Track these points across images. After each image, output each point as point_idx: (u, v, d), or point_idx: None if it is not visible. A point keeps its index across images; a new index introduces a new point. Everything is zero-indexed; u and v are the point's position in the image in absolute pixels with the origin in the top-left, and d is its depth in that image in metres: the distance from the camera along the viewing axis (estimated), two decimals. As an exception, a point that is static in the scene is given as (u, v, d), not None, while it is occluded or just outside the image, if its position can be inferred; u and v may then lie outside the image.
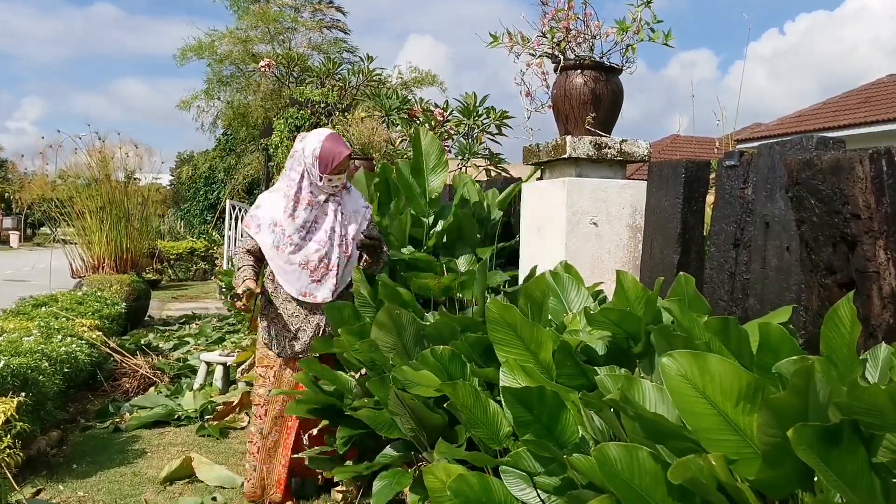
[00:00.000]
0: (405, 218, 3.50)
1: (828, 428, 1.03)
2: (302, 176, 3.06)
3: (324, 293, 3.06)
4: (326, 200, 3.10)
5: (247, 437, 3.24)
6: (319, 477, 3.19)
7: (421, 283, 3.02)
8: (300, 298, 3.06)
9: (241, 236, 3.20)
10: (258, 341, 3.21)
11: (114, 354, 5.47)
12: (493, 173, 6.28)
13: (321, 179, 3.04)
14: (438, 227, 3.57)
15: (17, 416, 3.34)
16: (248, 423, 3.25)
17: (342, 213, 3.14)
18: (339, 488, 2.96)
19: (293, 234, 3.05)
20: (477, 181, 4.18)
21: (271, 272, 3.10)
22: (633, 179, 3.09)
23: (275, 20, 16.03)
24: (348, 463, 2.82)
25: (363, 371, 2.72)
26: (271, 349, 3.12)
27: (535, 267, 2.76)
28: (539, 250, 3.05)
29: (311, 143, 3.07)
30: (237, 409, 4.56)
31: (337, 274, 3.08)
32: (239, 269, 3.12)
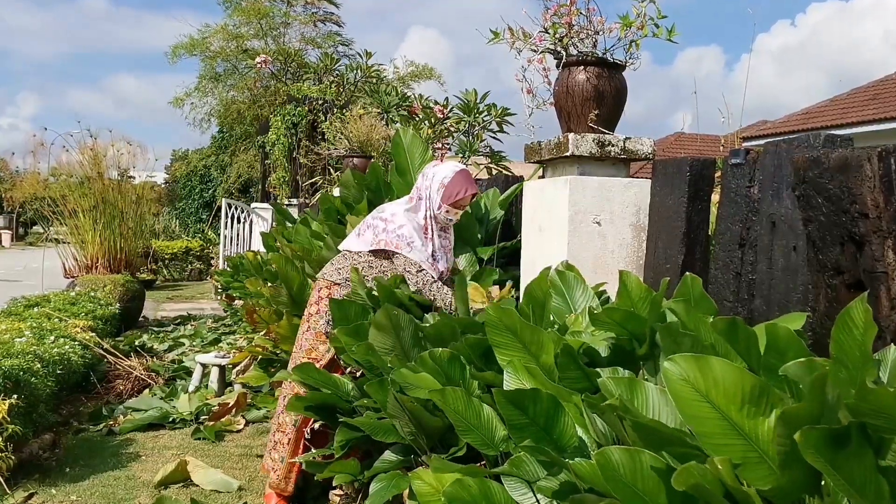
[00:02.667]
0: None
1: (836, 431, 1.03)
2: (427, 201, 3.10)
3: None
4: (441, 234, 3.15)
5: (276, 427, 3.20)
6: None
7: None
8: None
9: (395, 264, 3.07)
10: (306, 331, 3.16)
11: (107, 356, 5.48)
12: (494, 171, 6.28)
13: (440, 208, 3.08)
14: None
15: (8, 419, 3.35)
16: (279, 413, 3.20)
17: (448, 252, 3.21)
18: (336, 491, 2.96)
19: (431, 256, 3.07)
20: (478, 179, 4.18)
21: (370, 273, 3.05)
22: (637, 178, 3.09)
23: (266, 15, 16.00)
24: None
25: (355, 372, 2.74)
26: (326, 338, 3.07)
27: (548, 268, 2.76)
28: (541, 250, 3.05)
29: (441, 171, 3.12)
30: (233, 412, 4.56)
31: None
32: (436, 290, 3.02)
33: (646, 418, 1.26)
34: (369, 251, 3.09)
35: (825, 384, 1.06)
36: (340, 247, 3.28)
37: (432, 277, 3.04)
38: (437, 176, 3.10)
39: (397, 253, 3.04)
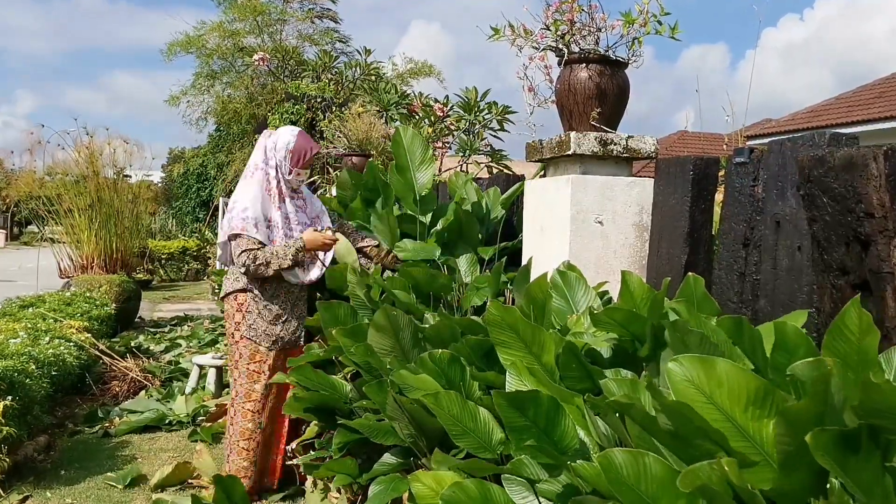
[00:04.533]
0: (392, 216, 3.52)
1: (845, 432, 1.03)
2: (276, 170, 3.32)
3: (317, 274, 3.34)
4: (292, 196, 3.38)
5: (239, 436, 3.31)
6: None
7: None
8: (299, 283, 3.31)
9: (235, 241, 3.26)
10: (238, 340, 3.32)
11: (103, 357, 5.47)
12: (494, 170, 6.28)
13: (290, 173, 3.32)
14: (438, 226, 3.57)
15: (3, 421, 3.35)
16: (236, 421, 3.31)
17: (304, 201, 3.44)
18: (335, 494, 2.96)
19: (283, 226, 3.28)
20: (478, 178, 4.18)
21: None
22: (640, 177, 3.09)
23: (262, 12, 15.99)
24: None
25: (348, 374, 2.76)
26: (262, 345, 3.27)
27: (530, 260, 2.76)
28: (542, 250, 3.05)
29: (283, 138, 3.34)
30: (230, 414, 4.55)
31: (321, 262, 3.36)
32: (268, 255, 3.21)
33: (671, 400, 1.22)
34: (225, 242, 3.31)
35: (828, 382, 1.05)
36: (217, 266, 3.64)
37: (271, 249, 3.21)
38: (279, 144, 3.32)
39: (241, 234, 3.21)
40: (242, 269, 3.21)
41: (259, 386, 3.27)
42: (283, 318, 3.29)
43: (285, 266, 3.19)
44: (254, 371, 3.29)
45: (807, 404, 1.06)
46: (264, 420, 3.28)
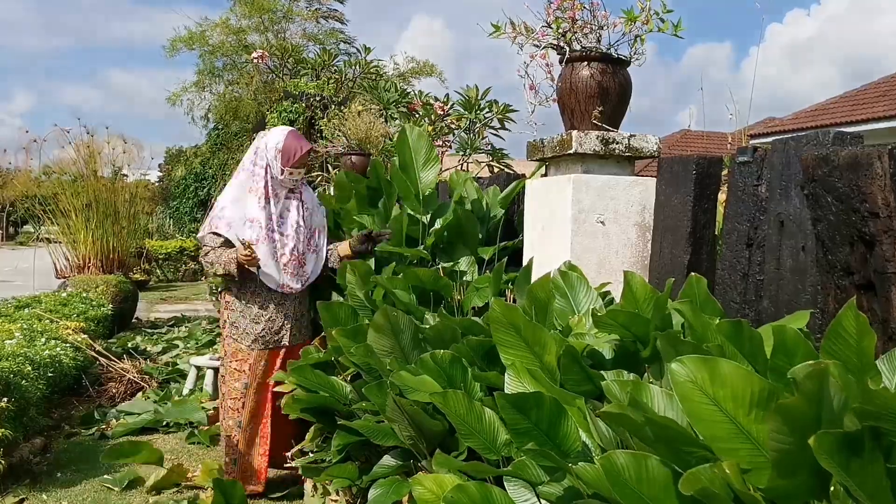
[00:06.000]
0: (402, 217, 3.51)
1: (849, 435, 1.03)
2: (266, 170, 3.34)
3: (296, 285, 3.35)
4: (287, 196, 3.39)
5: (224, 432, 3.42)
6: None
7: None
8: (278, 290, 3.33)
9: (203, 241, 3.38)
10: (225, 337, 3.42)
11: (99, 358, 5.47)
12: (495, 169, 6.28)
13: (282, 173, 3.33)
14: (437, 226, 3.56)
15: (-2, 423, 3.35)
16: (223, 418, 3.42)
17: (305, 208, 3.44)
18: (334, 497, 2.96)
19: (266, 227, 3.29)
20: (479, 178, 4.18)
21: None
22: (642, 176, 3.09)
23: (269, 10, 16.04)
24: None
25: (348, 375, 2.76)
26: (242, 343, 3.34)
27: (531, 261, 2.76)
28: (543, 250, 3.05)
29: (273, 137, 3.38)
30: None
31: (307, 266, 3.39)
32: (214, 257, 3.29)
33: (658, 416, 1.25)
34: (202, 241, 3.37)
35: (822, 380, 1.05)
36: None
37: (219, 253, 3.26)
38: (269, 144, 3.35)
39: (214, 233, 3.29)
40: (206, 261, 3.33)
41: (239, 384, 3.35)
42: (267, 318, 3.33)
43: (220, 272, 3.27)
44: (235, 369, 3.37)
45: (799, 401, 1.06)
46: (245, 419, 3.34)
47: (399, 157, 3.58)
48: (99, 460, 3.89)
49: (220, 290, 3.46)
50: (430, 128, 6.13)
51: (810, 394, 1.06)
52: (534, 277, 2.45)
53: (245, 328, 3.33)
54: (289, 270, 3.32)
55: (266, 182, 3.32)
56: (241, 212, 3.29)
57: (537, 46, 3.05)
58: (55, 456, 3.98)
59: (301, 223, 3.39)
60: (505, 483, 1.71)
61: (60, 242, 9.82)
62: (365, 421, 2.42)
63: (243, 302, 3.33)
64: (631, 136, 2.94)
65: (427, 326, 2.44)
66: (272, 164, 3.33)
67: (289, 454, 3.25)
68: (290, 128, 3.48)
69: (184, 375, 5.61)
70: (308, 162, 3.48)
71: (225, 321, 3.40)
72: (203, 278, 14.56)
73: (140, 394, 5.23)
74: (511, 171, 5.39)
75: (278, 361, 3.35)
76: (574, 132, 2.87)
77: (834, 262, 1.83)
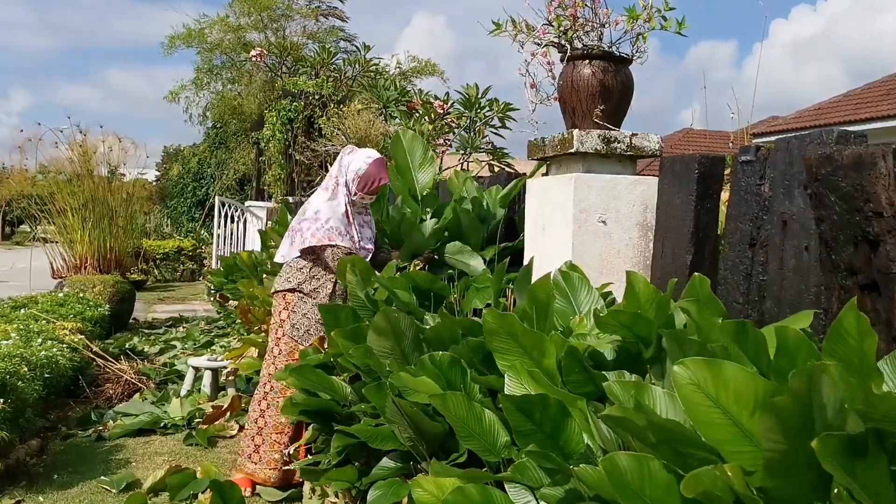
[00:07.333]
0: (408, 217, 3.53)
1: (852, 437, 1.03)
2: (347, 187, 3.46)
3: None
4: (359, 210, 3.52)
5: (273, 429, 3.45)
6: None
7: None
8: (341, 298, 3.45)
9: (331, 251, 3.42)
10: (280, 337, 3.50)
11: (97, 359, 5.47)
12: (496, 168, 6.28)
13: (355, 195, 3.45)
14: (437, 226, 3.57)
15: (-6, 424, 3.34)
16: (268, 415, 3.48)
17: (371, 228, 3.58)
18: (333, 499, 2.96)
19: (358, 240, 3.44)
20: (480, 177, 4.18)
21: (313, 272, 3.43)
22: (644, 175, 3.08)
23: (268, 7, 16.05)
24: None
25: (347, 378, 2.76)
26: (303, 344, 3.41)
27: (532, 261, 2.76)
28: (544, 250, 3.05)
29: (357, 161, 3.45)
30: (226, 417, 4.56)
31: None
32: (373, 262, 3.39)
33: (661, 418, 1.25)
34: (303, 251, 3.41)
35: (813, 378, 1.05)
36: (276, 258, 3.61)
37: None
38: (351, 166, 3.45)
39: (329, 245, 3.37)
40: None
41: None
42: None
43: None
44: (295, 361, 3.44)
45: (789, 400, 1.06)
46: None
47: (395, 159, 3.60)
48: (96, 462, 3.89)
49: (274, 290, 3.52)
50: (430, 127, 6.13)
51: (800, 393, 1.06)
52: (534, 277, 2.44)
53: (309, 329, 3.42)
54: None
55: (345, 199, 3.45)
56: (341, 221, 3.43)
57: (538, 44, 3.05)
58: (52, 457, 3.98)
59: (374, 237, 3.55)
60: (505, 485, 1.71)
61: (57, 242, 9.82)
62: (363, 425, 2.42)
63: (310, 304, 3.42)
64: (633, 134, 2.93)
65: (427, 327, 2.44)
66: (349, 184, 3.44)
67: (287, 454, 3.27)
68: (378, 155, 3.54)
69: (181, 376, 5.60)
70: (378, 191, 3.56)
71: (283, 321, 3.47)
72: (201, 278, 14.55)
73: (137, 395, 5.23)
74: (512, 171, 5.39)
75: None
76: (575, 131, 2.87)
77: (837, 262, 1.83)
